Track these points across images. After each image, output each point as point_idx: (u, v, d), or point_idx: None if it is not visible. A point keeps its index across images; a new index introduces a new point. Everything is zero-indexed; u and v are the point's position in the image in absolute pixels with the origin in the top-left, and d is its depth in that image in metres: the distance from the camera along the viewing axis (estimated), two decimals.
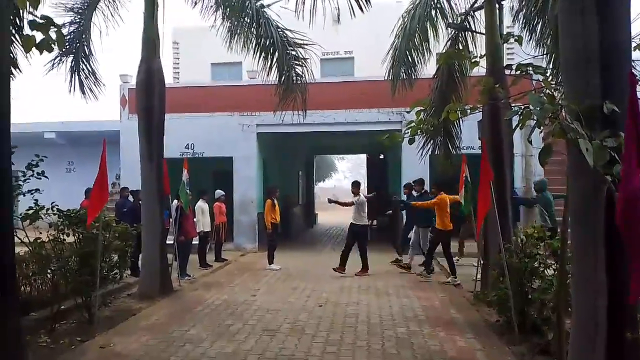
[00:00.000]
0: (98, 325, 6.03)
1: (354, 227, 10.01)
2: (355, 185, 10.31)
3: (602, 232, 3.28)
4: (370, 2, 6.57)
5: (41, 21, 5.75)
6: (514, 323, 5.43)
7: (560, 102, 3.77)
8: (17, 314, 4.75)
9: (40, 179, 6.08)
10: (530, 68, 4.19)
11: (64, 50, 8.24)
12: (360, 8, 6.33)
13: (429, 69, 9.71)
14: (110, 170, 14.07)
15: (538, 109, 3.59)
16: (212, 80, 16.92)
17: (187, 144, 13.48)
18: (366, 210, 10.00)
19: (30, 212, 6.07)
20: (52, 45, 6.12)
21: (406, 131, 5.52)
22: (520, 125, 3.85)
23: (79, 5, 8.72)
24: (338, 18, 7.18)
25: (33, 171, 6.05)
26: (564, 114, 3.75)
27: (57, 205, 6.40)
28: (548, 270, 5.47)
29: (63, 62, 9.20)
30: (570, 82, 3.93)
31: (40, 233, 6.14)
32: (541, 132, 9.42)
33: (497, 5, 7.88)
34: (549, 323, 5.33)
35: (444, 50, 8.94)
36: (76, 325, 6.20)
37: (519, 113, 3.78)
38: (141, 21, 8.23)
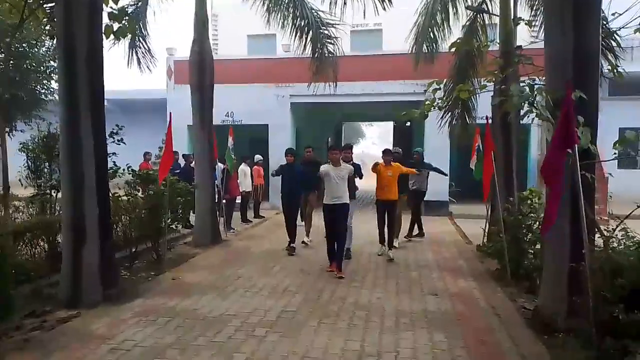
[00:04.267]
0: (165, 264, 7.46)
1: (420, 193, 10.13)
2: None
3: (567, 193, 4.29)
4: None
5: (117, 12, 7.06)
6: (507, 270, 6.55)
7: (536, 91, 4.78)
8: (113, 252, 6.19)
9: (119, 144, 7.40)
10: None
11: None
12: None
13: (449, 44, 10.52)
14: (158, 134, 15.57)
15: (517, 96, 4.62)
16: (249, 54, 17.97)
17: (227, 112, 14.71)
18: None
19: (110, 172, 7.42)
20: (127, 32, 7.43)
21: (422, 107, 6.61)
22: (503, 107, 4.90)
23: None
24: None
25: (114, 138, 7.35)
26: (540, 99, 4.77)
27: (131, 167, 7.77)
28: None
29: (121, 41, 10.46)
30: (551, 77, 4.95)
31: (120, 189, 7.53)
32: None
33: None
34: (539, 270, 6.41)
35: (463, 29, 9.79)
36: (147, 264, 7.63)
37: (501, 100, 4.83)
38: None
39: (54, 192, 7.35)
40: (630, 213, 4.30)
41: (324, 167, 7.26)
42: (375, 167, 8.24)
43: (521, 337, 4.63)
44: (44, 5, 6.55)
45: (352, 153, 8.25)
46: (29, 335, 4.64)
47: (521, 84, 5.74)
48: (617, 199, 8.04)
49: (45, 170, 7.41)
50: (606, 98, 14.92)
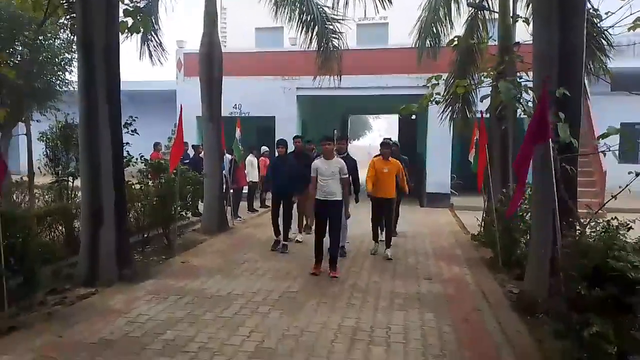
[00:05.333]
0: (175, 249, 7.88)
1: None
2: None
3: (552, 182, 4.61)
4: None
5: (132, 9, 7.44)
6: (499, 257, 6.90)
7: (522, 88, 5.09)
8: (127, 236, 6.60)
9: (132, 135, 7.79)
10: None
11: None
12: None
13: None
14: (167, 124, 15.94)
15: (504, 93, 4.94)
16: (257, 46, 18.29)
17: (235, 104, 15.06)
18: None
19: (124, 161, 7.82)
20: (140, 28, 7.81)
21: (419, 102, 6.93)
22: (493, 103, 5.22)
23: None
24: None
25: (128, 129, 7.74)
26: (526, 96, 5.10)
27: (143, 156, 8.17)
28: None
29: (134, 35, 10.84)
30: (538, 73, 5.26)
31: (133, 177, 7.93)
32: None
33: None
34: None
35: (464, 25, 10.06)
36: (158, 248, 8.04)
37: (487, 95, 5.14)
38: None
39: (71, 180, 7.78)
40: (605, 204, 4.62)
41: (315, 163, 6.69)
42: (372, 169, 7.62)
43: (505, 318, 4.99)
44: (64, 2, 6.91)
45: (346, 144, 7.63)
46: (52, 309, 5.08)
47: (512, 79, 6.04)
48: (616, 192, 8.30)
49: (63, 158, 7.82)
50: (608, 93, 15.12)
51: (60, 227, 6.94)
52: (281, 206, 8.09)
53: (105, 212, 5.94)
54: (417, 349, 4.18)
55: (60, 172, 7.72)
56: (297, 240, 8.78)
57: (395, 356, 4.03)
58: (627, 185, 4.04)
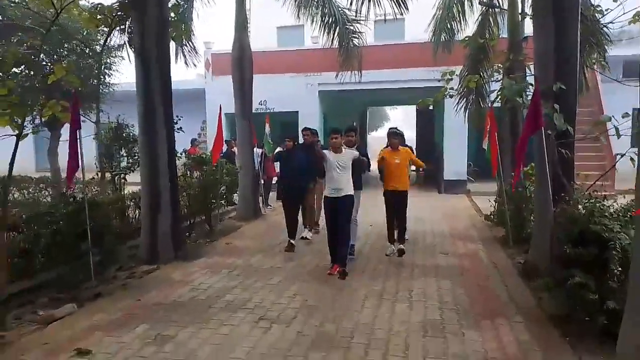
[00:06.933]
0: (217, 234, 8.82)
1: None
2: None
3: (547, 167, 5.38)
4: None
5: (176, 21, 8.33)
6: (509, 235, 7.65)
7: (526, 82, 5.83)
8: (180, 220, 7.54)
9: (178, 132, 8.71)
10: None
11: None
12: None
13: (466, 33, 11.46)
14: (194, 121, 16.83)
15: (508, 89, 5.69)
16: (278, 45, 19.15)
17: (261, 101, 15.96)
18: None
19: None
20: (182, 37, 8.70)
21: (435, 95, 7.68)
22: (499, 99, 5.97)
23: None
24: None
25: (173, 127, 8.66)
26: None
27: (186, 150, 9.12)
28: None
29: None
30: (538, 70, 5.96)
31: (179, 170, 8.87)
32: None
33: None
34: None
35: (476, 22, 10.73)
36: (201, 233, 8.99)
37: (497, 91, 5.90)
38: None
39: (124, 175, 8.77)
40: (595, 182, 5.38)
41: (325, 153, 6.26)
42: (382, 161, 7.14)
43: (512, 282, 5.78)
44: (118, 16, 7.78)
45: (355, 136, 7.01)
46: (125, 282, 6.05)
47: (518, 75, 6.78)
48: (627, 176, 8.85)
49: (116, 155, 8.81)
50: (620, 80, 15.55)
51: (115, 215, 7.92)
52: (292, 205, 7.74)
53: (162, 200, 6.89)
54: (434, 305, 5.02)
55: (115, 167, 8.69)
56: (303, 237, 8.29)
57: (416, 310, 4.87)
58: (613, 165, 4.79)
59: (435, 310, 4.86)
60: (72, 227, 5.36)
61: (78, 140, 5.60)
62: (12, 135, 5.00)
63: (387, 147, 7.32)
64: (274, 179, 12.77)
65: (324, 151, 6.30)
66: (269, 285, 5.76)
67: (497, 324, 4.48)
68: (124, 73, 12.54)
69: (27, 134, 5.16)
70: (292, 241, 7.65)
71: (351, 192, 6.23)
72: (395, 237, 7.23)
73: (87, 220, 5.40)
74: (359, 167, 6.54)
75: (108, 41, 8.49)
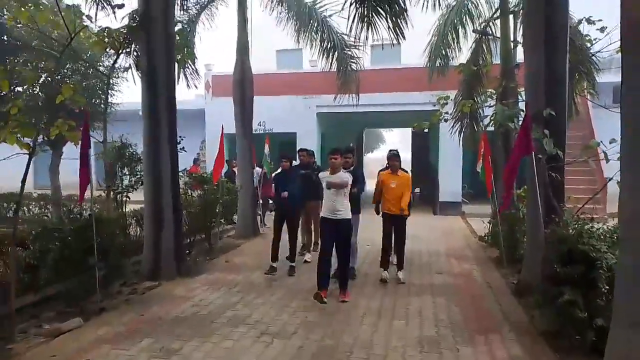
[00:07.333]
0: (217, 251, 8.97)
1: None
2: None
3: (538, 189, 5.61)
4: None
5: (179, 42, 8.52)
6: (502, 255, 7.85)
7: (518, 108, 6.11)
8: (182, 237, 7.70)
9: (180, 152, 8.91)
10: None
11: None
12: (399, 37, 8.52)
13: (460, 59, 11.85)
14: (196, 140, 17.02)
15: (500, 114, 5.96)
16: (277, 67, 19.56)
17: (259, 122, 16.24)
18: None
19: None
20: (186, 60, 8.97)
21: (430, 119, 7.94)
22: (492, 123, 6.23)
23: (188, 18, 11.51)
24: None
25: (177, 146, 8.87)
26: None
27: (187, 169, 9.32)
28: None
29: None
30: (529, 96, 6.25)
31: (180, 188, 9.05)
32: None
33: (511, 16, 9.92)
34: None
35: (470, 49, 11.11)
36: (202, 251, 9.13)
37: (491, 116, 6.16)
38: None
39: (126, 193, 8.93)
40: (584, 204, 5.61)
41: (322, 174, 6.20)
42: (379, 184, 7.10)
43: (506, 301, 5.96)
44: (125, 39, 8.04)
45: (352, 158, 6.93)
46: (128, 297, 6.18)
47: (510, 101, 7.07)
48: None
49: (119, 173, 8.99)
50: (608, 106, 15.96)
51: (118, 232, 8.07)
52: (284, 226, 7.61)
53: (165, 217, 7.06)
54: (430, 321, 5.19)
55: (118, 185, 8.86)
56: (305, 260, 8.24)
57: (413, 327, 5.04)
58: (601, 188, 5.03)
59: (432, 327, 5.03)
60: (80, 242, 5.51)
61: (88, 158, 5.78)
62: (24, 153, 5.17)
63: (386, 168, 7.26)
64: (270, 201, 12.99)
65: (320, 174, 6.27)
66: (269, 301, 5.92)
67: (490, 340, 4.65)
68: (124, 92, 12.82)
69: (37, 152, 5.35)
70: (273, 264, 7.43)
71: (349, 216, 6.06)
72: (395, 261, 7.23)
73: (94, 236, 5.55)
74: (353, 194, 6.42)
75: (117, 63, 8.71)
